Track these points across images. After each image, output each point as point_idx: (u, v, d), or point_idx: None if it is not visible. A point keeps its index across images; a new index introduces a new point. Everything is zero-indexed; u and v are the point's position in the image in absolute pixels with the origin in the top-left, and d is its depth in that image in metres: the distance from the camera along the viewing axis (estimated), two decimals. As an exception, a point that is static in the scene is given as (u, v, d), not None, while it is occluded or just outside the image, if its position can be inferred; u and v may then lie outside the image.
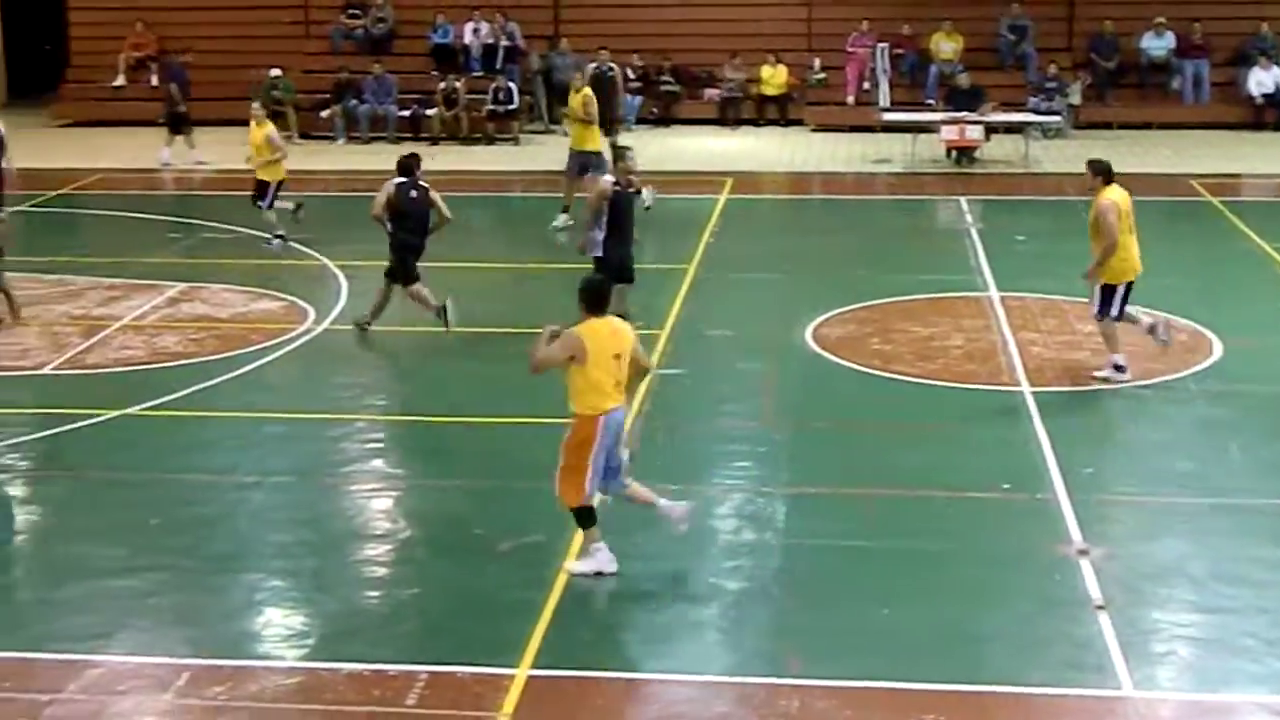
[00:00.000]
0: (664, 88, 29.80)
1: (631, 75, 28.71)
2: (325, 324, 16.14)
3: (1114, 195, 13.88)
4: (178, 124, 25.79)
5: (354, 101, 28.43)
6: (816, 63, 29.79)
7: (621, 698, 8.81)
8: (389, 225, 15.59)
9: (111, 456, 12.54)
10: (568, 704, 8.73)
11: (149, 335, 15.81)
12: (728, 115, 29.56)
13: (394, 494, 12.02)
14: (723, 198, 22.91)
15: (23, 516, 11.75)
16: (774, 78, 29.59)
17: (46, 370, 14.77)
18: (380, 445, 13.05)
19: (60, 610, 9.86)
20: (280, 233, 19.39)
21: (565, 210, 20.51)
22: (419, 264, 15.71)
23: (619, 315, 10.87)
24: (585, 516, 10.15)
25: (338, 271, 18.29)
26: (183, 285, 17.57)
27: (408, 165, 15.74)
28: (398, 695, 8.70)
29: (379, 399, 14.20)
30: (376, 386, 14.73)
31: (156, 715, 8.56)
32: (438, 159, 26.38)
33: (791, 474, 12.09)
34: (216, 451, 12.75)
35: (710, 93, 29.94)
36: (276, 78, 28.06)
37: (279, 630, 9.68)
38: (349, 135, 28.29)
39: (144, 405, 13.60)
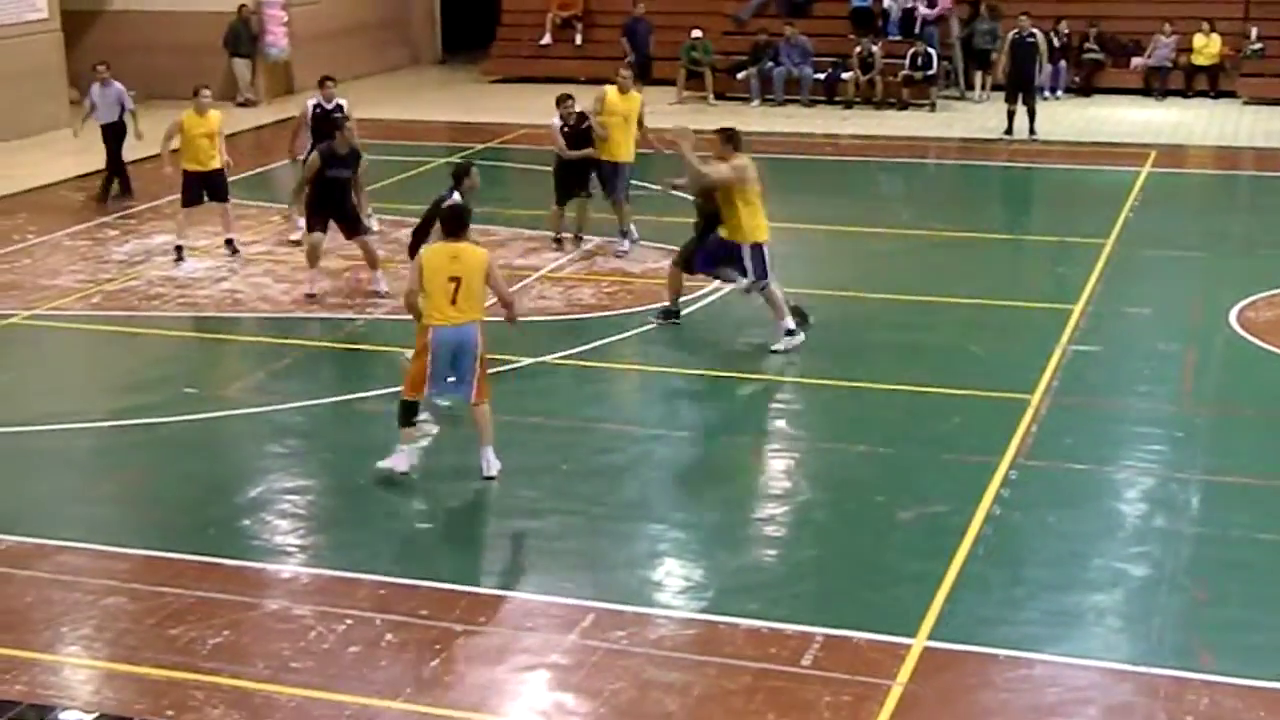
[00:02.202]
0: (1088, 55, 28.89)
1: (1055, 43, 27.91)
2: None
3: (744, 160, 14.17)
4: (643, 73, 26.69)
5: (770, 64, 28.57)
6: (1254, 32, 28.32)
7: (1019, 677, 8.64)
8: None
9: (527, 402, 12.99)
10: (964, 678, 8.63)
11: (566, 286, 16.31)
12: (1153, 85, 28.45)
13: (796, 455, 12.08)
14: (1144, 171, 22.08)
15: (446, 455, 12.22)
16: (1206, 47, 28.29)
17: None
18: (785, 406, 13.13)
19: (477, 546, 10.34)
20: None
21: None
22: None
23: None
24: (404, 412, 11.16)
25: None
26: (599, 239, 18.03)
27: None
28: (793, 655, 8.76)
29: (788, 360, 14.27)
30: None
31: (561, 653, 8.84)
32: (851, 123, 26.39)
33: (1209, 461, 11.61)
34: (625, 403, 13.09)
35: (1137, 62, 28.87)
36: (696, 39, 28.47)
37: (679, 581, 9.87)
38: (764, 97, 28.45)
39: (559, 354, 14.05)
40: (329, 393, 13.36)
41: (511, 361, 13.81)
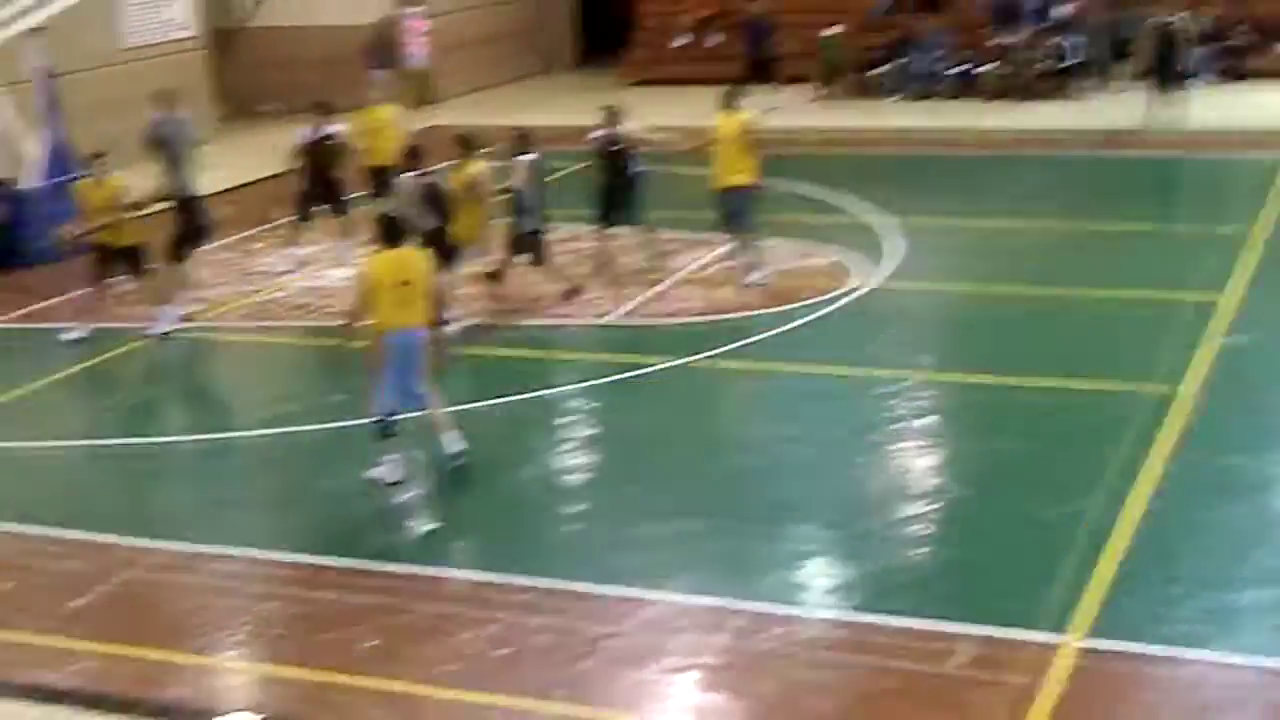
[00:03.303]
0: (1235, 41, 28.25)
1: (1201, 29, 27.33)
2: (875, 282, 16.24)
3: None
4: (761, 73, 26.65)
5: (907, 58, 28.34)
6: None
7: (1176, 676, 8.48)
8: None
9: (672, 403, 13.02)
10: (1119, 678, 8.49)
11: (705, 288, 16.32)
12: (1305, 69, 27.77)
13: (941, 453, 11.99)
14: (1296, 158, 21.58)
15: (592, 457, 12.35)
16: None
17: (610, 319, 15.50)
18: (928, 404, 13.01)
19: (624, 548, 10.36)
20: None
21: None
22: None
23: None
24: (380, 429, 11.29)
25: (888, 229, 18.35)
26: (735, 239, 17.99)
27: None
28: (943, 655, 8.68)
29: (927, 357, 14.14)
30: (926, 345, 14.66)
31: (711, 655, 8.85)
32: (990, 116, 26.10)
33: (1370, 453, 11.34)
34: (768, 403, 13.07)
35: (1285, 45, 28.20)
36: (831, 36, 28.35)
37: (827, 581, 9.83)
38: (901, 92, 28.23)
39: (700, 355, 14.07)
40: (479, 397, 13.49)
41: (654, 363, 13.87)
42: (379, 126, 18.34)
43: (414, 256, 11.56)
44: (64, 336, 15.47)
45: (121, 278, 15.70)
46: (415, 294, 11.30)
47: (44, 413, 13.84)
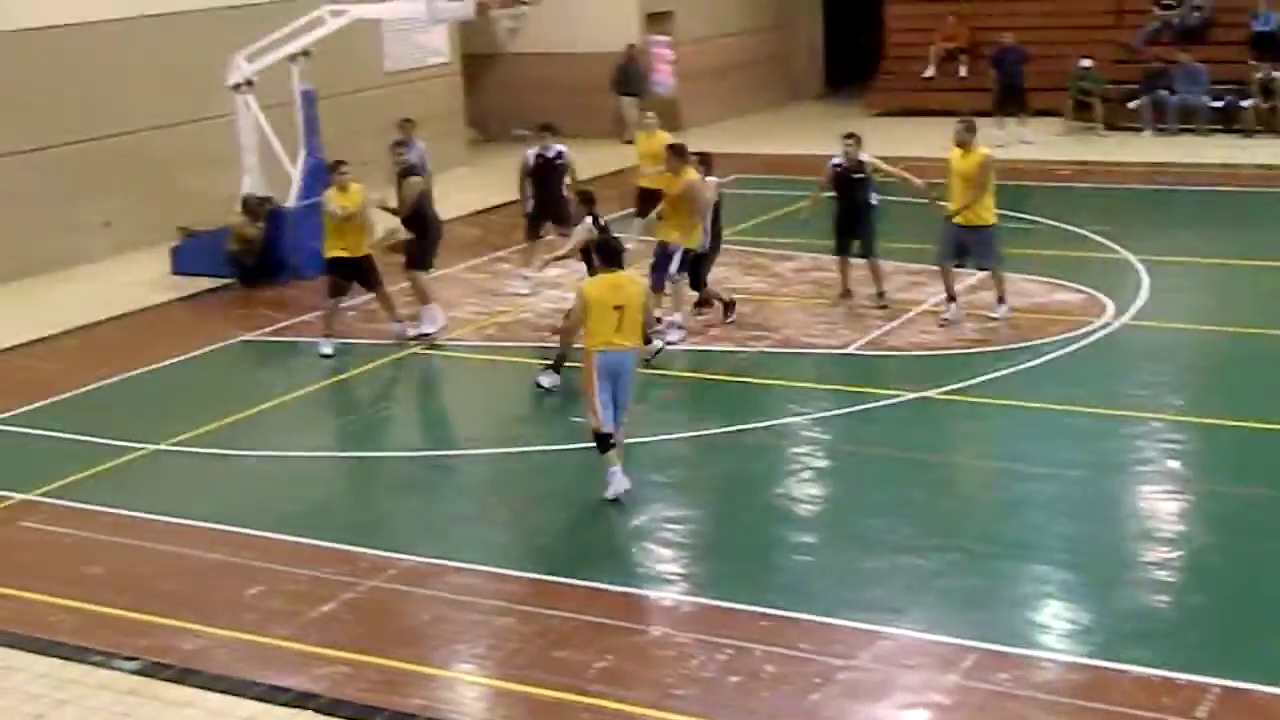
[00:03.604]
0: None
1: None
2: (1125, 318, 15.87)
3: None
4: (1007, 104, 26.36)
5: (1163, 92, 27.65)
6: None
7: None
8: None
9: (911, 436, 12.89)
10: (1373, 738, 8.16)
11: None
12: None
13: (1188, 496, 11.64)
14: None
15: (827, 488, 12.30)
16: None
17: (851, 349, 15.41)
18: (1176, 446, 12.65)
19: (858, 580, 10.29)
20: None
21: None
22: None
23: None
24: (599, 442, 11.47)
25: (1138, 265, 17.91)
26: (983, 274, 17.74)
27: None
28: (1186, 706, 8.42)
29: (1177, 398, 13.75)
30: (1175, 385, 14.26)
31: (942, 693, 8.73)
32: (1250, 151, 25.29)
33: None
34: (1012, 439, 12.85)
35: None
36: (1086, 69, 27.81)
37: (1065, 624, 9.61)
38: (1156, 127, 27.55)
39: (943, 389, 13.90)
40: (713, 424, 13.54)
41: (894, 395, 13.75)
42: (654, 152, 18.50)
43: (628, 280, 11.83)
44: (319, 350, 15.99)
45: (358, 290, 16.28)
46: (628, 317, 11.54)
47: (293, 424, 14.30)
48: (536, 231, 18.48)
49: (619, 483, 11.57)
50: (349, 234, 15.89)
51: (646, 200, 17.82)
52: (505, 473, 12.82)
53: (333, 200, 15.87)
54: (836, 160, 16.66)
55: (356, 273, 16.08)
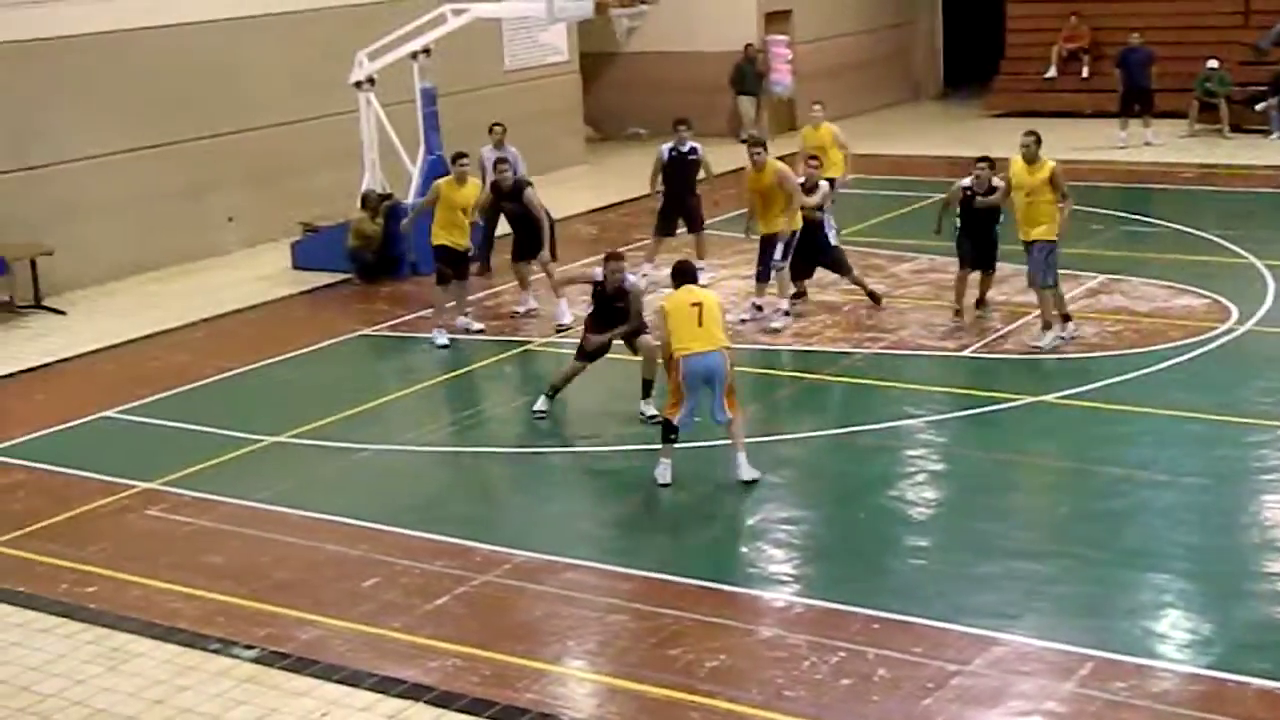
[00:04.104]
0: None
1: None
2: (1249, 324, 15.59)
3: None
4: (1132, 105, 26.10)
5: (1292, 94, 27.11)
6: None
7: None
8: None
9: (1027, 441, 12.77)
10: None
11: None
12: None
13: (1312, 508, 11.42)
14: None
15: (941, 491, 12.20)
16: None
17: (967, 352, 15.28)
18: (1301, 456, 12.42)
19: (972, 585, 10.20)
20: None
21: None
22: None
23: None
24: (667, 431, 11.98)
25: (1264, 270, 17.59)
26: (1103, 277, 17.56)
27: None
28: (1308, 720, 8.29)
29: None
30: (1301, 393, 14.02)
31: (1058, 701, 8.63)
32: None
33: None
34: (1131, 445, 12.67)
35: None
36: (1212, 70, 27.34)
37: (1184, 633, 9.47)
38: (1284, 129, 27.04)
39: (1060, 393, 13.75)
40: (827, 425, 13.49)
41: (1011, 400, 13.62)
42: (822, 144, 18.59)
43: (700, 290, 12.41)
44: (435, 341, 16.18)
45: (458, 281, 16.60)
46: (707, 314, 11.93)
47: (411, 418, 14.43)
48: (667, 228, 18.55)
49: (662, 473, 12.11)
50: (456, 227, 16.29)
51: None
52: (620, 469, 12.86)
53: (446, 193, 16.27)
54: (966, 182, 16.10)
55: (460, 263, 16.49)
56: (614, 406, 14.53)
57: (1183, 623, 9.63)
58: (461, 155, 16.53)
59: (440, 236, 16.41)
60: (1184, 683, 8.81)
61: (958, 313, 16.20)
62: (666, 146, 18.37)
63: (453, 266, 16.46)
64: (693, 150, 18.25)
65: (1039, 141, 15.19)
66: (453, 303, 16.69)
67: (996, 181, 15.77)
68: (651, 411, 13.42)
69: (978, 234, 16.02)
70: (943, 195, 16.64)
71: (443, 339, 16.28)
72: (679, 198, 18.40)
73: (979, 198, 15.79)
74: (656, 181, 18.46)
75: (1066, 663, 9.03)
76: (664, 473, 12.10)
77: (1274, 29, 28.88)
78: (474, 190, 16.50)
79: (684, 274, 12.51)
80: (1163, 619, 9.68)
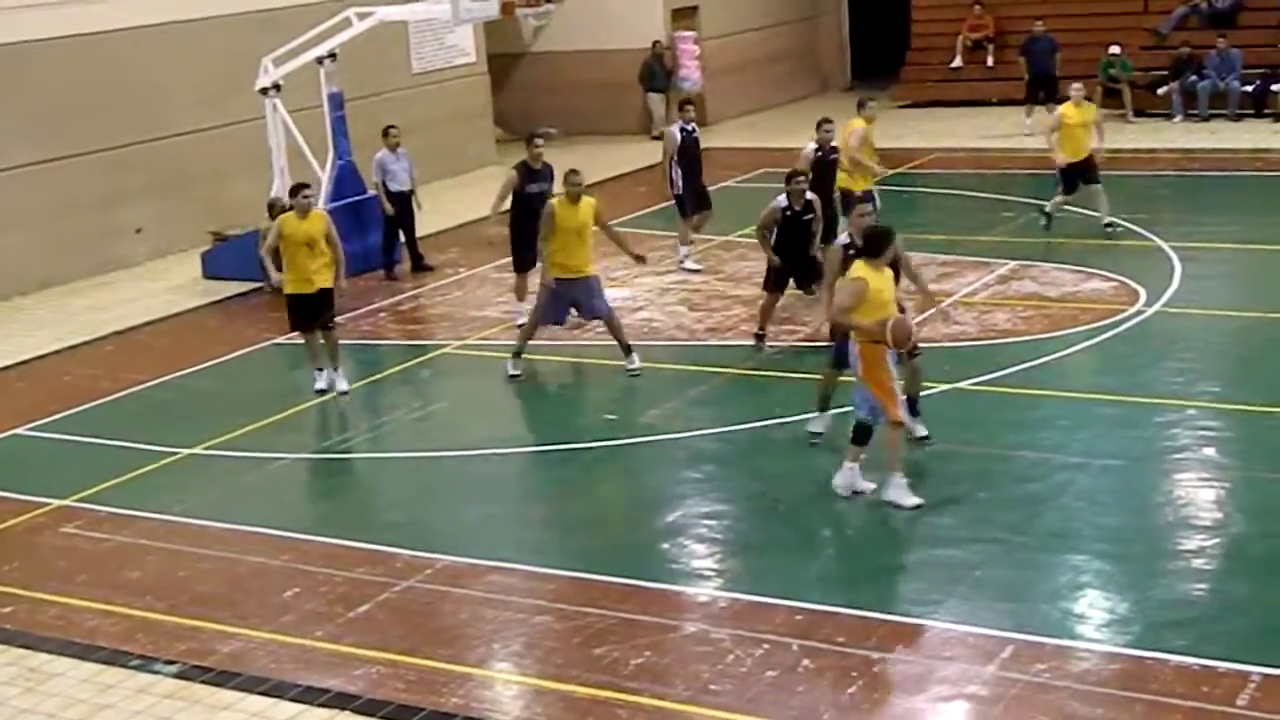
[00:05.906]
0: None
1: None
2: (1157, 306, 15.80)
3: None
4: (1038, 92, 26.45)
5: (1193, 78, 27.50)
6: None
7: None
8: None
9: (943, 429, 12.85)
10: None
11: (979, 311, 16.09)
12: None
13: (1225, 485, 11.57)
14: None
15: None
16: None
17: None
18: (1211, 434, 12.58)
19: (894, 574, 10.30)
20: None
21: None
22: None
23: None
24: (869, 434, 11.36)
25: (1170, 252, 17.84)
26: (1014, 263, 17.74)
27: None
28: (1227, 695, 8.39)
29: (1211, 385, 13.67)
30: (1210, 372, 14.17)
31: (980, 684, 8.71)
32: (1281, 137, 25.18)
33: None
34: (1044, 430, 12.81)
35: None
36: (1115, 55, 27.69)
37: (1104, 613, 9.59)
38: (1186, 112, 27.41)
39: (974, 380, 13.88)
40: (744, 419, 13.52)
41: (926, 388, 13.69)
42: (1088, 121, 18.89)
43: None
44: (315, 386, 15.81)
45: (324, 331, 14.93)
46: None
47: (327, 426, 14.34)
48: (698, 205, 18.77)
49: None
50: (306, 267, 14.45)
51: (1071, 174, 18.79)
52: (539, 471, 12.86)
53: (287, 227, 14.47)
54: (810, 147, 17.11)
55: (316, 311, 14.68)
56: (525, 408, 14.53)
57: (1101, 603, 9.76)
58: (303, 186, 14.78)
59: (291, 284, 14.57)
60: (1104, 662, 8.92)
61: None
62: (676, 127, 18.60)
63: (308, 317, 14.73)
64: (694, 130, 18.66)
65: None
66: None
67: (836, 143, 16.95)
68: (922, 431, 12.43)
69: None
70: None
71: (321, 383, 14.91)
72: (695, 175, 18.64)
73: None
74: (673, 168, 18.54)
75: (988, 646, 9.12)
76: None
77: (1174, 14, 29.32)
78: (318, 222, 14.58)
79: (880, 240, 11.45)
80: (1082, 600, 9.79)
